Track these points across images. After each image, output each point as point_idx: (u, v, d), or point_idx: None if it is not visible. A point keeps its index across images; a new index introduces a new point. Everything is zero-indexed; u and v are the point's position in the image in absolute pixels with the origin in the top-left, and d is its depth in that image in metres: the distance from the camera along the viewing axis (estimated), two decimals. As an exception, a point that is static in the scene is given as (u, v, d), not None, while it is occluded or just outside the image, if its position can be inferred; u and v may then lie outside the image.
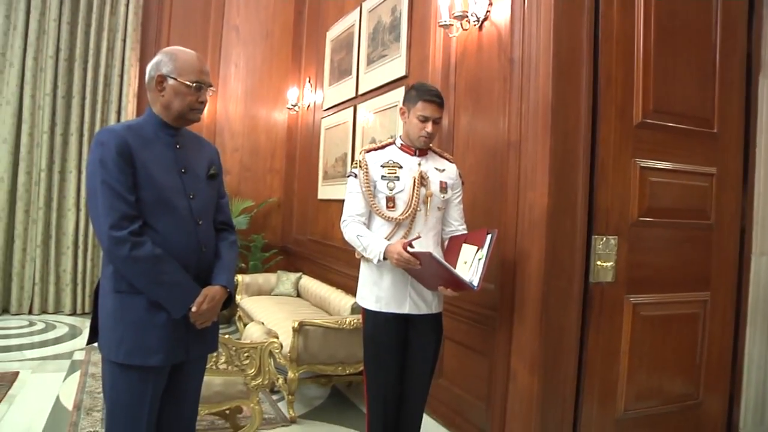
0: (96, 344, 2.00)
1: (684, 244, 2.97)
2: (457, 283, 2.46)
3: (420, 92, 2.62)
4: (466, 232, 2.79)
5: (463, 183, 2.86)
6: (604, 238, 2.72)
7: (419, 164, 2.68)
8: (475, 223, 3.13)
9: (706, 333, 3.03)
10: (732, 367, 3.16)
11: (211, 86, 2.04)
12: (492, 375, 2.99)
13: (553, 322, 2.65)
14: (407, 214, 2.61)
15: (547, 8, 2.69)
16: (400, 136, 2.76)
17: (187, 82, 1.95)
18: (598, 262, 2.71)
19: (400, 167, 2.67)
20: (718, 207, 3.05)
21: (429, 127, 2.60)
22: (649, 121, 2.82)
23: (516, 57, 2.90)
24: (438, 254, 2.62)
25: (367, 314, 2.71)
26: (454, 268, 2.57)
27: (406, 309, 2.64)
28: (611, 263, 2.72)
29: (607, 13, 2.71)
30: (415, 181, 2.64)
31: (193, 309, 1.93)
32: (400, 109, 2.72)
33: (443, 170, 2.75)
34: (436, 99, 2.60)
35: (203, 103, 2.01)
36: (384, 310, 2.64)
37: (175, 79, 1.95)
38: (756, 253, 3.16)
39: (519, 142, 2.85)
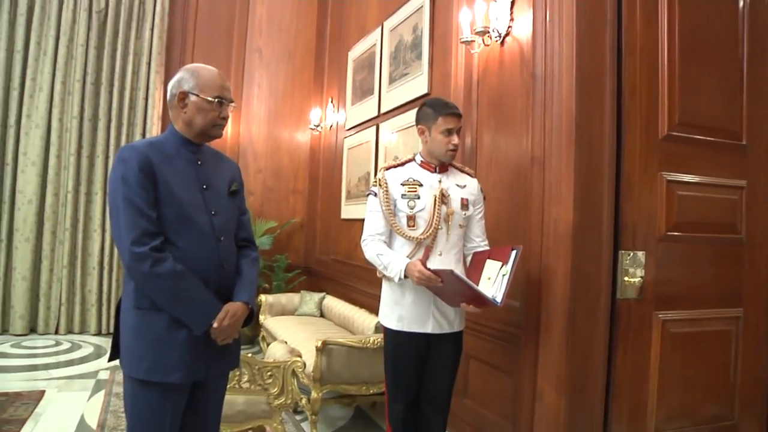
0: (118, 361, 1.99)
1: (714, 259, 2.89)
2: (480, 299, 2.41)
3: (437, 107, 2.62)
4: (488, 248, 2.75)
5: (485, 198, 2.82)
6: (631, 254, 2.67)
7: (440, 181, 2.66)
8: (499, 240, 3.10)
9: (739, 351, 2.94)
10: (768, 387, 3.06)
11: (232, 102, 2.05)
12: (517, 394, 2.93)
13: (579, 340, 2.60)
14: (428, 233, 2.58)
15: (569, 22, 2.68)
16: (420, 153, 2.73)
17: (209, 98, 1.97)
18: (625, 278, 2.66)
19: (421, 185, 2.64)
20: (748, 221, 2.97)
21: (455, 138, 2.60)
22: (675, 133, 2.77)
23: (539, 72, 2.89)
24: (459, 271, 2.59)
25: (389, 333, 2.70)
26: (478, 284, 2.54)
27: (429, 329, 2.61)
28: (638, 279, 2.67)
29: (630, 26, 2.69)
30: (435, 199, 2.61)
31: (215, 325, 1.92)
32: (419, 128, 2.70)
33: (464, 186, 2.72)
34: (455, 111, 2.61)
35: (225, 118, 2.03)
36: (406, 329, 2.61)
37: (196, 95, 1.96)
38: (788, 269, 3.08)
39: (543, 157, 2.82)
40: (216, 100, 1.98)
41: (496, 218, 3.23)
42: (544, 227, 2.80)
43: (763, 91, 3.06)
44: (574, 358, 2.59)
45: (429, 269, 2.39)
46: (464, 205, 2.68)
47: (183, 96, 1.98)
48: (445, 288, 2.44)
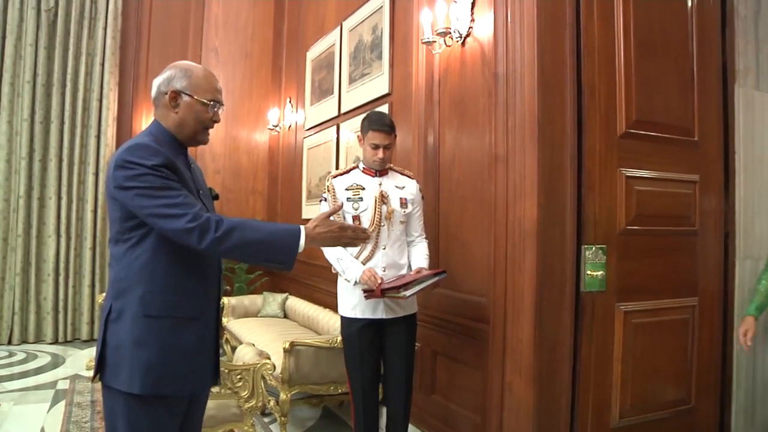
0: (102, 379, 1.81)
1: (671, 251, 3.01)
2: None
3: (371, 122, 2.94)
4: (425, 241, 3.10)
5: (423, 197, 3.17)
6: (593, 248, 2.75)
7: (380, 184, 2.98)
8: (465, 237, 3.18)
9: (695, 338, 3.07)
10: (722, 371, 3.20)
11: (223, 105, 1.97)
12: (487, 388, 2.98)
13: (546, 333, 2.66)
14: (371, 229, 2.89)
15: (530, 23, 2.74)
16: (362, 160, 3.04)
17: (204, 100, 1.88)
18: (589, 272, 2.73)
19: (363, 189, 2.96)
20: (702, 213, 3.10)
21: (380, 153, 2.91)
22: (632, 131, 2.86)
23: (500, 72, 2.94)
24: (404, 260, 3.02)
25: (344, 320, 3.01)
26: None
27: (380, 314, 2.88)
28: (601, 272, 2.75)
29: (588, 27, 2.77)
30: (376, 200, 2.93)
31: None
32: (358, 136, 3.00)
33: (403, 187, 3.03)
34: (384, 128, 2.90)
35: (216, 122, 1.95)
36: (359, 316, 2.91)
37: (190, 95, 1.87)
38: (740, 258, 3.22)
39: (506, 155, 2.88)
40: (211, 102, 1.89)
41: (461, 215, 3.29)
42: (508, 224, 2.85)
43: (712, 89, 3.19)
44: (542, 351, 2.65)
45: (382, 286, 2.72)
46: (403, 203, 3.00)
47: (174, 95, 1.86)
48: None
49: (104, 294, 2.00)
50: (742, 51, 3.32)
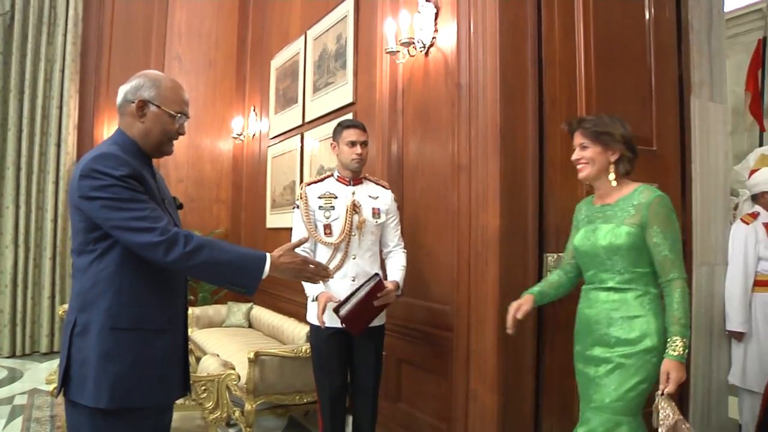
0: (66, 394, 1.76)
1: (630, 259, 3.06)
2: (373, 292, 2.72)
3: (343, 123, 3.01)
4: (402, 252, 3.02)
5: (398, 208, 3.09)
6: (555, 256, 2.79)
7: (353, 193, 2.95)
8: (430, 246, 3.19)
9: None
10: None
11: (189, 117, 1.93)
12: (451, 396, 3.00)
13: (510, 341, 2.68)
14: (341, 239, 2.87)
15: (492, 35, 2.78)
16: (337, 169, 3.04)
17: (171, 112, 1.85)
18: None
19: (336, 197, 2.94)
20: (659, 221, 3.16)
21: (357, 149, 2.91)
22: (592, 141, 2.92)
23: (463, 82, 2.98)
24: (374, 270, 2.91)
25: (312, 328, 2.96)
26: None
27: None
28: (563, 279, 2.79)
29: (549, 39, 2.83)
30: (348, 210, 2.90)
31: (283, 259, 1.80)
32: (331, 144, 3.02)
33: (377, 197, 3.00)
34: (357, 124, 2.98)
35: (182, 134, 1.91)
36: (328, 324, 2.80)
37: (158, 106, 1.83)
38: (697, 264, 3.30)
39: (469, 164, 2.91)
40: (178, 114, 1.86)
41: (425, 223, 3.32)
42: (471, 232, 2.89)
43: (669, 100, 3.28)
44: (506, 359, 2.69)
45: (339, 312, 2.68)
46: (376, 214, 2.97)
47: (142, 105, 1.82)
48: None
49: (65, 306, 1.95)
50: (697, 64, 3.42)
